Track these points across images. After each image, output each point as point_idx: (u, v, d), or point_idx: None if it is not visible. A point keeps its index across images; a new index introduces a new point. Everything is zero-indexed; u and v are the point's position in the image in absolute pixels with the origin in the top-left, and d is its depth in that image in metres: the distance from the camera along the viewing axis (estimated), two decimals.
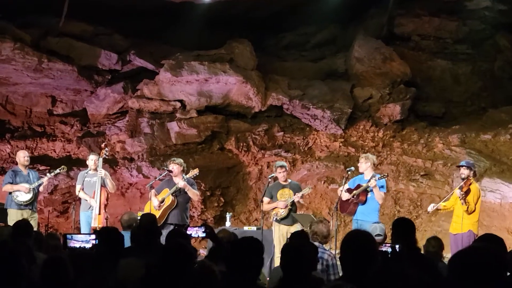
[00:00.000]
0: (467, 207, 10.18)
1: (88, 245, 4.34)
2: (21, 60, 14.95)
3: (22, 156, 11.90)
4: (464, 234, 10.15)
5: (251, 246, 4.43)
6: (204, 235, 6.22)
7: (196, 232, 6.31)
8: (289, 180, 11.40)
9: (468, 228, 10.22)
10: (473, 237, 10.01)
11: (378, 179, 10.49)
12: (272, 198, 11.18)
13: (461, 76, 17.21)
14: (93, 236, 4.37)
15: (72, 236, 4.39)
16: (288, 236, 9.64)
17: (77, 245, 4.37)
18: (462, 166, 10.58)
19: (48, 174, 11.91)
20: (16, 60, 14.90)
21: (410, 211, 14.41)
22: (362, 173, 11.04)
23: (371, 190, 10.57)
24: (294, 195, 10.93)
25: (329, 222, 11.03)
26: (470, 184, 10.37)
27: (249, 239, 4.51)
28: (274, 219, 11.07)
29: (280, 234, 10.97)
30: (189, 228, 6.48)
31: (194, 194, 11.14)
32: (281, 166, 11.25)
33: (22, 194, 11.44)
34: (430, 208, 10.81)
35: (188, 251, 4.66)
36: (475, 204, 10.32)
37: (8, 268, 3.88)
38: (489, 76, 17.11)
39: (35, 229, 11.11)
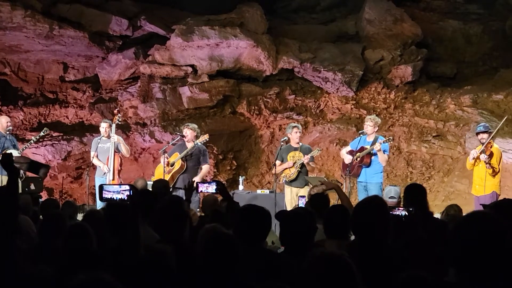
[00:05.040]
0: (492, 170, 10.18)
1: (119, 196, 4.43)
2: (32, 28, 14.96)
3: (5, 122, 11.68)
4: (488, 195, 10.17)
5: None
6: (215, 191, 6.17)
7: (206, 188, 6.23)
8: (300, 144, 11.44)
9: (491, 190, 10.26)
10: (496, 197, 10.04)
11: (383, 142, 10.53)
12: (283, 161, 11.26)
13: (472, 36, 17.10)
14: (125, 187, 4.44)
15: (104, 187, 4.49)
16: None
17: (109, 196, 4.47)
18: (481, 132, 10.53)
19: (33, 138, 11.97)
20: (27, 27, 14.91)
21: (422, 172, 14.47)
22: (363, 134, 11.00)
23: (375, 153, 10.61)
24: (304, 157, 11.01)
25: (342, 184, 11.18)
26: (491, 147, 10.38)
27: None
28: (284, 181, 11.18)
29: (291, 197, 11.05)
30: (200, 184, 6.38)
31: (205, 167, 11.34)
32: (296, 127, 11.32)
33: None
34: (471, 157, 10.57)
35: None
36: (498, 165, 10.34)
37: None
38: (500, 36, 16.96)
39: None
